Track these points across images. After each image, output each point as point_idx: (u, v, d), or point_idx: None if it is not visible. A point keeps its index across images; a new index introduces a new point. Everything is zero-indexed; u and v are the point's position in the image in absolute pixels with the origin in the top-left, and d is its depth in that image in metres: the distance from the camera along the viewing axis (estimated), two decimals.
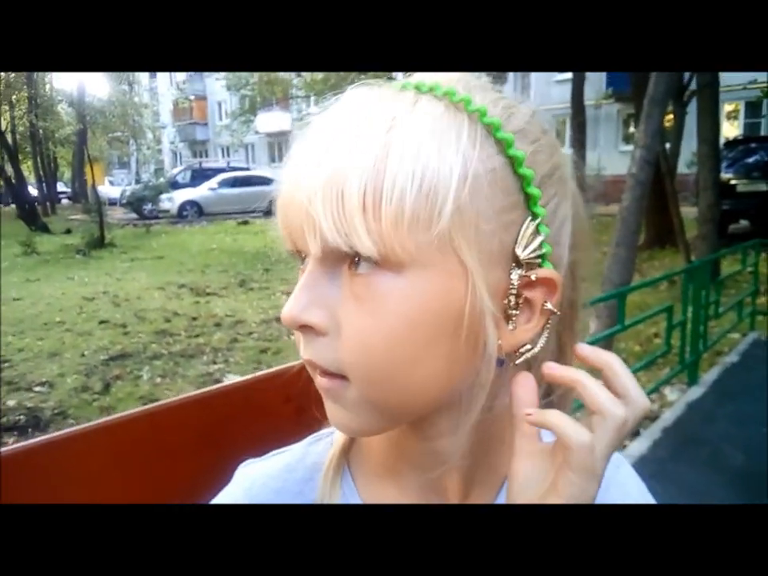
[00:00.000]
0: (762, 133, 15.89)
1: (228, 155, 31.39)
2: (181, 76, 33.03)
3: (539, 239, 0.42)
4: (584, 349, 0.42)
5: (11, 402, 4.03)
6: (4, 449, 0.58)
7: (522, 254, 0.41)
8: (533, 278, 0.42)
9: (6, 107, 23.02)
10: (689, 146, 8.90)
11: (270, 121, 28.13)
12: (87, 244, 11.30)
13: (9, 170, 17.83)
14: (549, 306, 0.43)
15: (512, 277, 0.42)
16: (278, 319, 5.85)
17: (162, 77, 35.45)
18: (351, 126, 0.40)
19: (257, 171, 22.95)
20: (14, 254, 10.93)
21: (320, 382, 0.43)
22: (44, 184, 24.52)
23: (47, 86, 23.20)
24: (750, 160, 10.63)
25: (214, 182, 19.69)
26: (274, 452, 0.56)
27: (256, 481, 0.53)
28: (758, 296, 5.43)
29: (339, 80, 15.02)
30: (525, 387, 0.42)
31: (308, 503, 0.52)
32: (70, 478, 0.61)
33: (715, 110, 6.46)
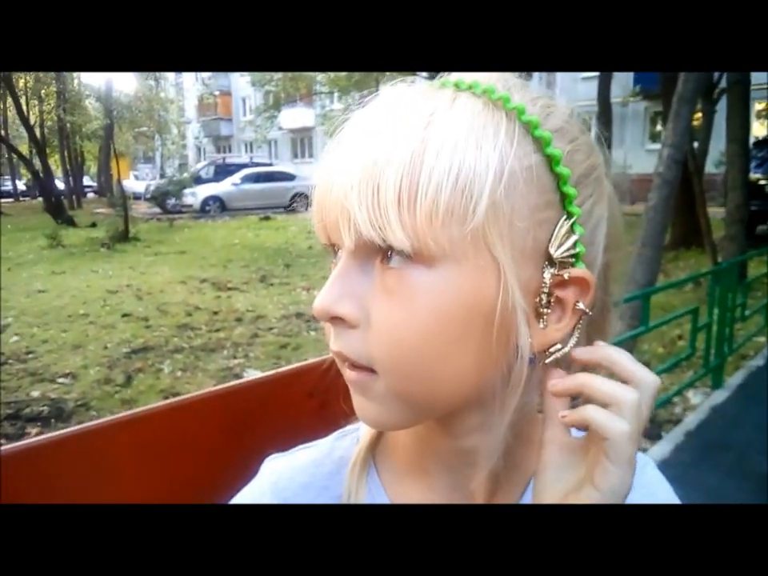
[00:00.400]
0: None
1: (251, 151, 31.64)
2: (206, 72, 33.31)
3: (573, 238, 0.42)
4: (577, 353, 0.43)
5: (35, 393, 4.11)
6: (24, 442, 0.58)
7: (556, 252, 0.41)
8: (566, 277, 0.42)
9: (35, 102, 23.46)
10: (717, 144, 8.77)
11: (294, 117, 28.29)
12: (112, 237, 11.46)
13: (37, 163, 18.14)
14: (581, 306, 0.43)
15: (544, 275, 0.41)
16: (298, 315, 5.95)
17: (188, 73, 35.77)
18: (389, 121, 0.40)
19: (279, 167, 23.09)
20: (40, 246, 11.13)
21: (348, 374, 0.43)
22: (70, 178, 24.89)
23: (75, 82, 23.51)
24: None
25: (236, 178, 19.84)
26: (300, 447, 0.57)
27: (283, 475, 0.54)
28: None
29: (363, 77, 15.07)
30: (558, 385, 0.42)
31: (334, 499, 0.52)
32: (93, 471, 0.61)
33: (745, 108, 6.36)
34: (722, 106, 7.16)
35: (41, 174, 16.83)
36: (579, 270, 0.42)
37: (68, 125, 22.61)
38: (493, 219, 0.38)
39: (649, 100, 18.16)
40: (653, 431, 3.35)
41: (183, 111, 35.06)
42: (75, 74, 23.23)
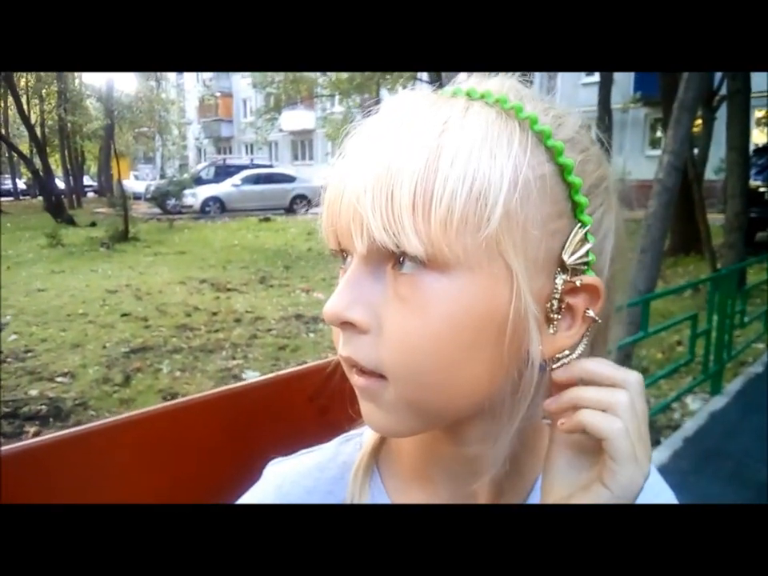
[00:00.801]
0: None
1: (252, 152, 31.64)
2: (207, 73, 33.31)
3: (587, 247, 0.42)
4: (555, 375, 0.43)
5: (33, 392, 4.09)
6: (25, 442, 0.58)
7: (569, 259, 0.42)
8: (577, 284, 0.42)
9: (36, 101, 23.45)
10: (717, 152, 8.78)
11: (294, 119, 28.30)
12: (111, 237, 11.44)
13: (37, 162, 18.13)
14: (591, 313, 0.43)
15: (556, 281, 0.42)
16: (297, 316, 5.94)
17: (189, 74, 35.78)
18: (403, 128, 0.40)
19: (279, 169, 23.10)
20: (40, 245, 11.11)
21: (357, 380, 0.43)
22: (71, 177, 24.85)
23: (76, 81, 23.52)
24: None
25: (237, 179, 19.84)
26: (304, 451, 0.57)
27: (287, 479, 0.54)
28: None
29: (364, 80, 15.07)
30: (553, 404, 0.43)
31: (338, 502, 0.52)
32: (93, 474, 0.61)
33: (745, 116, 6.36)
34: (722, 114, 7.17)
35: (41, 173, 16.82)
36: (590, 278, 0.42)
37: (69, 124, 22.61)
38: (507, 227, 0.39)
39: (649, 106, 18.18)
40: (651, 437, 3.32)
41: (184, 112, 35.05)
42: (76, 74, 23.23)
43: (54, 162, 26.22)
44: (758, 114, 16.86)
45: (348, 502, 0.51)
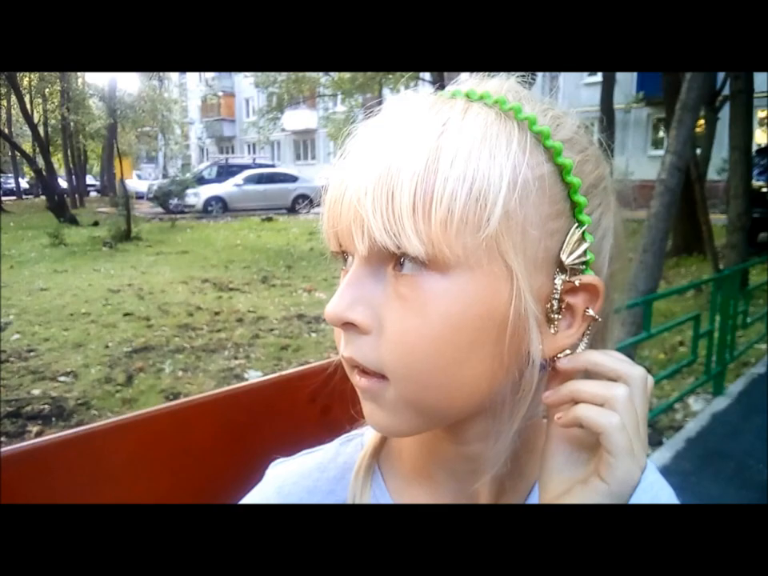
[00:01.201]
0: None
1: (254, 152, 31.65)
2: (210, 73, 33.33)
3: (584, 246, 0.42)
4: (560, 364, 0.43)
5: (36, 391, 4.10)
6: (25, 443, 0.58)
7: (567, 259, 0.42)
8: (576, 283, 0.42)
9: (39, 100, 23.49)
10: (719, 152, 8.76)
11: (297, 119, 28.30)
12: (114, 237, 11.45)
13: (40, 161, 18.14)
14: (590, 312, 0.43)
15: (555, 281, 0.42)
16: (299, 316, 5.94)
17: (192, 73, 35.80)
18: (402, 130, 0.41)
19: (282, 168, 23.09)
20: (42, 244, 11.13)
21: (358, 381, 0.43)
22: (73, 176, 24.89)
23: (79, 81, 23.51)
24: None
25: (239, 178, 19.84)
26: (305, 451, 0.57)
27: (288, 479, 0.54)
28: None
29: (366, 79, 15.07)
30: (551, 396, 0.43)
31: (339, 503, 0.52)
32: (95, 474, 0.61)
33: (748, 116, 6.35)
34: (724, 114, 7.16)
35: (44, 173, 16.82)
36: (589, 277, 0.43)
37: (71, 123, 22.61)
38: (506, 228, 0.39)
39: (651, 106, 18.14)
40: (654, 438, 3.35)
41: (186, 112, 35.08)
42: (79, 73, 23.24)
43: (57, 161, 26.26)
44: (760, 114, 16.83)
45: (350, 501, 0.51)
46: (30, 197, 28.84)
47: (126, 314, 6.09)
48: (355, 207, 0.40)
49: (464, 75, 0.47)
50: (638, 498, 0.41)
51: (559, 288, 0.42)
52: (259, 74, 17.85)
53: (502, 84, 0.44)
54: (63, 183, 22.74)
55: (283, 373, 0.77)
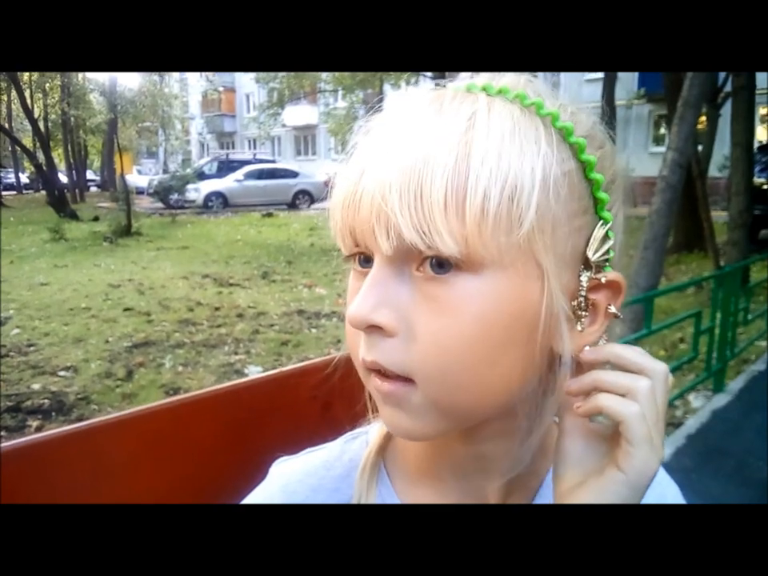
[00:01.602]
0: None
1: (255, 147, 31.59)
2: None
3: (609, 243, 0.42)
4: (584, 354, 0.43)
5: (36, 386, 4.10)
6: (25, 439, 0.58)
7: (594, 256, 0.42)
8: (602, 280, 0.42)
9: (40, 95, 23.46)
10: (721, 149, 8.75)
11: (297, 114, 28.30)
12: (114, 232, 11.45)
13: (40, 156, 18.14)
14: (612, 309, 0.43)
15: (581, 279, 0.42)
16: (299, 312, 5.94)
17: None
18: (425, 122, 0.39)
19: (282, 164, 23.08)
20: (43, 239, 11.13)
21: (381, 386, 0.42)
22: (74, 171, 24.85)
23: (80, 76, 23.44)
24: None
25: (239, 174, 19.81)
26: (310, 449, 0.56)
27: (292, 477, 0.53)
28: None
29: (368, 75, 15.05)
30: (573, 385, 0.43)
31: (344, 502, 0.51)
32: (95, 470, 0.61)
33: (750, 113, 6.34)
34: (726, 111, 7.14)
35: (44, 168, 16.81)
36: (613, 274, 0.43)
37: (72, 119, 22.59)
38: (539, 226, 0.38)
39: (653, 103, 18.12)
40: None
41: (187, 107, 35.03)
42: None
43: (57, 156, 26.25)
44: (762, 110, 16.79)
45: (355, 499, 0.51)
46: (30, 192, 28.84)
47: (127, 309, 6.09)
48: (378, 204, 0.38)
49: (464, 75, 0.46)
50: (646, 496, 0.41)
51: (585, 285, 0.42)
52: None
53: (518, 79, 0.43)
54: (64, 178, 22.70)
55: (284, 369, 0.77)
